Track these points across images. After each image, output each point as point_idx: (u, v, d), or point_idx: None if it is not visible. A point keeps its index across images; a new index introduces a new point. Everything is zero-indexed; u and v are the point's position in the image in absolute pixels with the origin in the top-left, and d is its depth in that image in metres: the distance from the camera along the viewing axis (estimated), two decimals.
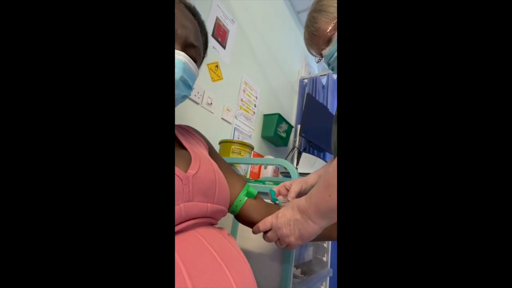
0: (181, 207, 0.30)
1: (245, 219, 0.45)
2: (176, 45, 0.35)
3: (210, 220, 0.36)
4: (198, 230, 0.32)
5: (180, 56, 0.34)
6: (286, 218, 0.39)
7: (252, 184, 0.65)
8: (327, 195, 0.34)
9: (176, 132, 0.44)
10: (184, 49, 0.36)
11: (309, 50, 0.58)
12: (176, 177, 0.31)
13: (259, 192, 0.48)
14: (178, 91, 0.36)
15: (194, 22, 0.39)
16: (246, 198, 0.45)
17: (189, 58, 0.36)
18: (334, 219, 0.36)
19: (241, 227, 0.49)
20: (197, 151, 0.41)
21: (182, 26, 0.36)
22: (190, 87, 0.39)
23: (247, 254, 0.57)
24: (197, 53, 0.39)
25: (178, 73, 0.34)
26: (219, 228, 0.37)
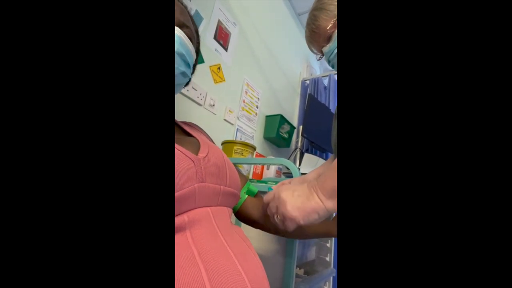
0: (195, 187, 0.31)
1: (244, 216, 0.46)
2: None
3: (227, 209, 0.37)
4: (217, 221, 0.32)
5: (175, 31, 0.35)
6: (290, 186, 0.37)
7: (255, 184, 0.65)
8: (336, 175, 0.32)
9: (183, 125, 0.45)
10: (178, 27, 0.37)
11: (310, 48, 0.59)
12: (188, 159, 0.32)
13: (260, 192, 0.49)
14: (176, 65, 0.36)
15: (182, 7, 0.41)
16: (247, 195, 0.45)
17: (184, 34, 0.37)
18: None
19: (244, 226, 0.50)
20: (205, 139, 0.42)
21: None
22: (188, 65, 0.39)
23: None
24: (191, 34, 0.40)
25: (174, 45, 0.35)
26: (235, 226, 0.37)
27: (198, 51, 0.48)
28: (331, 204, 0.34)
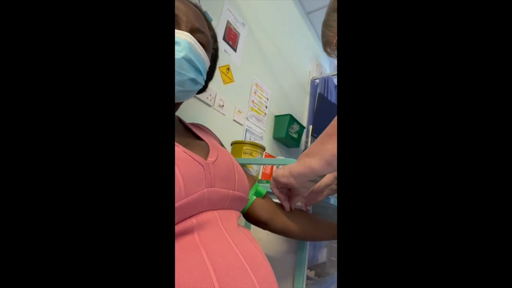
0: (204, 192, 0.31)
1: (253, 218, 0.46)
2: (183, 29, 0.36)
3: (234, 213, 0.37)
4: (224, 224, 0.32)
5: (184, 36, 0.35)
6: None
7: (264, 185, 0.65)
8: (319, 143, 0.36)
9: (192, 127, 0.46)
10: (191, 33, 0.37)
11: (329, 55, 0.64)
12: (198, 164, 0.32)
13: (269, 193, 0.48)
14: (183, 71, 0.35)
15: (199, 13, 0.40)
16: (255, 197, 0.45)
17: (196, 40, 0.36)
18: (314, 159, 0.37)
19: (254, 228, 0.50)
20: (214, 142, 0.42)
21: (186, 14, 0.37)
22: (199, 71, 0.38)
23: None
24: (206, 40, 0.39)
25: (182, 51, 0.34)
26: (243, 228, 0.37)
27: (216, 57, 0.47)
28: (307, 159, 0.37)
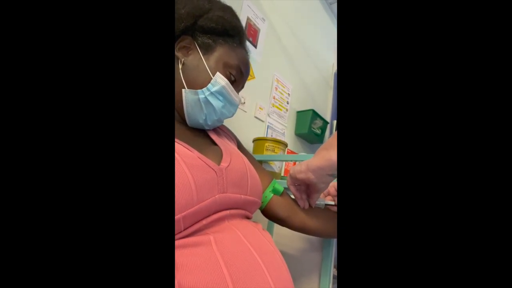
0: (216, 198, 0.32)
1: (271, 215, 0.46)
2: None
3: (244, 212, 0.37)
4: (232, 222, 0.33)
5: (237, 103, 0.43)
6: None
7: (282, 181, 0.64)
8: (333, 138, 0.37)
9: (207, 130, 0.46)
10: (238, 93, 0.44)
11: None
12: (211, 170, 0.32)
13: (287, 189, 0.47)
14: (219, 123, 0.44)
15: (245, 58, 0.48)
16: (272, 195, 0.45)
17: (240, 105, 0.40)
18: (333, 151, 0.35)
19: (279, 226, 0.49)
20: (228, 146, 0.42)
21: (246, 71, 0.46)
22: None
23: (285, 252, 0.57)
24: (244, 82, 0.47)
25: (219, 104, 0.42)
26: (254, 222, 0.38)
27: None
28: (324, 152, 0.37)
